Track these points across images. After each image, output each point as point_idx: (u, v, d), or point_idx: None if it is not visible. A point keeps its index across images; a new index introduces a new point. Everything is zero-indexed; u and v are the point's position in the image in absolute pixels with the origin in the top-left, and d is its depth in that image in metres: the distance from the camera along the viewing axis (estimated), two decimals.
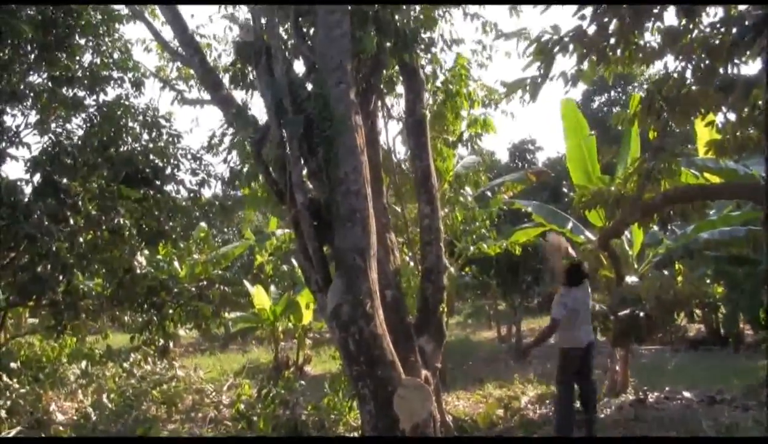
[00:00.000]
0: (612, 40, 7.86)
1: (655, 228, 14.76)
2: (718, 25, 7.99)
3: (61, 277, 14.15)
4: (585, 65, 8.32)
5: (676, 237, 17.96)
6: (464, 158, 17.62)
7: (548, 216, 17.91)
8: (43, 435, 12.95)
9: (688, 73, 9.03)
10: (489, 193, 19.24)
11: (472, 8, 12.83)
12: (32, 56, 14.24)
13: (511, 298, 28.95)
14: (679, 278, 18.60)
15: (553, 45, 7.57)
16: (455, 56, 13.79)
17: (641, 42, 8.68)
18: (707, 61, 8.39)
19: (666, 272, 16.93)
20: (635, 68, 11.03)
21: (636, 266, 16.75)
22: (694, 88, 9.17)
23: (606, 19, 7.26)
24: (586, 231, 17.02)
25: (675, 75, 9.22)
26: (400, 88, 12.30)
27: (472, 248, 17.15)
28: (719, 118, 10.26)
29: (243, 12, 12.93)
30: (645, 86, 21.66)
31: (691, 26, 8.33)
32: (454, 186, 16.19)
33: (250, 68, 10.60)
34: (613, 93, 49.29)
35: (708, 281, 21.40)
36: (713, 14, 8.35)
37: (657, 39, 8.74)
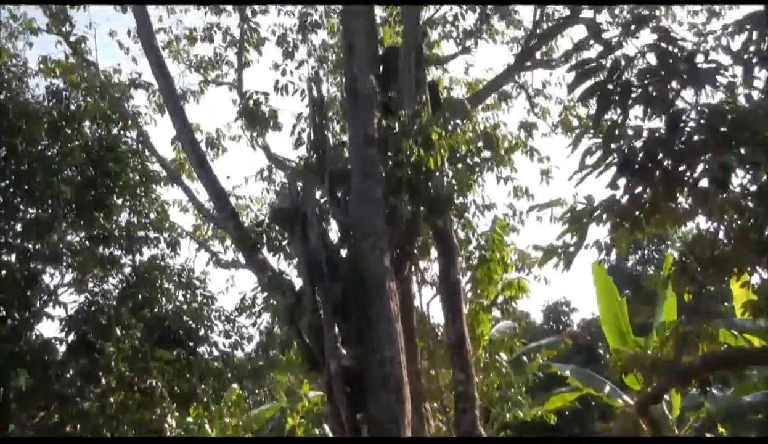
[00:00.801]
0: (645, 210, 7.84)
1: (695, 391, 14.38)
2: (748, 187, 7.95)
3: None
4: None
5: (717, 400, 17.47)
6: (499, 323, 17.47)
7: (585, 380, 17.54)
8: None
9: (721, 234, 8.93)
10: (524, 358, 18.95)
11: (505, 172, 13.05)
12: (71, 216, 14.50)
13: None
14: None
15: (586, 215, 7.57)
16: (490, 220, 13.88)
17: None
18: (739, 222, 8.31)
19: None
20: (668, 228, 10.99)
21: (676, 431, 16.24)
22: (727, 249, 9.05)
23: (639, 189, 7.26)
24: (624, 395, 16.61)
25: (708, 236, 9.12)
26: (433, 252, 12.31)
27: (507, 415, 16.76)
28: (755, 279, 10.09)
29: (279, 175, 13.22)
30: (678, 245, 21.56)
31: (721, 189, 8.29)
32: (489, 351, 15.98)
33: (284, 233, 10.70)
34: (646, 251, 49.13)
35: None
36: (741, 175, 8.31)
37: (689, 200, 8.70)
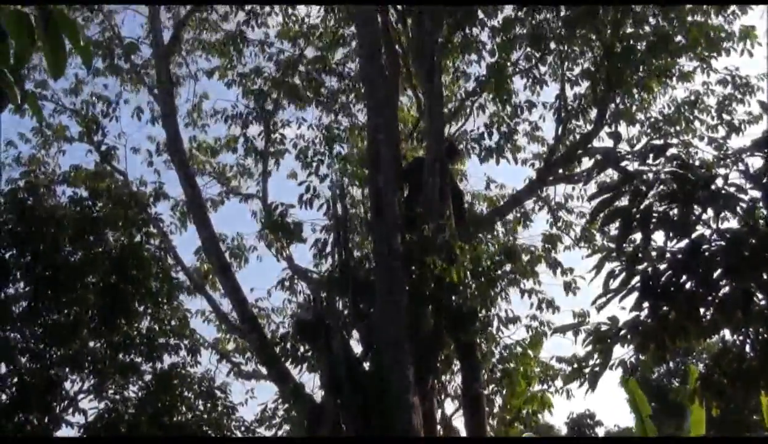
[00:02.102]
0: (669, 330, 7.82)
1: None
2: None
3: None
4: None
5: None
6: (522, 435, 17.19)
7: None
8: None
9: (747, 347, 8.84)
10: None
11: (528, 284, 13.04)
12: (93, 323, 14.56)
13: None
14: None
15: (611, 336, 7.57)
16: (513, 333, 13.83)
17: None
18: (766, 336, 8.23)
19: None
20: (693, 342, 10.91)
21: None
22: (754, 362, 8.94)
23: (663, 310, 7.27)
24: None
25: (733, 349, 9.03)
26: (456, 365, 12.26)
27: None
28: None
29: (302, 286, 13.29)
30: (704, 356, 21.35)
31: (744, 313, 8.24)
32: None
33: (307, 344, 10.72)
34: (671, 364, 48.44)
35: None
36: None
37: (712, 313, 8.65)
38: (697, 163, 13.37)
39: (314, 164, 14.01)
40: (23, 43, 2.48)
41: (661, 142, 12.89)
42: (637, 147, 13.95)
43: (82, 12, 15.86)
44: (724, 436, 10.60)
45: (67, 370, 14.37)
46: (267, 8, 14.95)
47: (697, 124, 14.53)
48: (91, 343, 14.86)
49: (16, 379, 13.83)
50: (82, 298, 14.09)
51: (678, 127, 14.47)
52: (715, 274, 6.45)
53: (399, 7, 13.38)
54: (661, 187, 6.21)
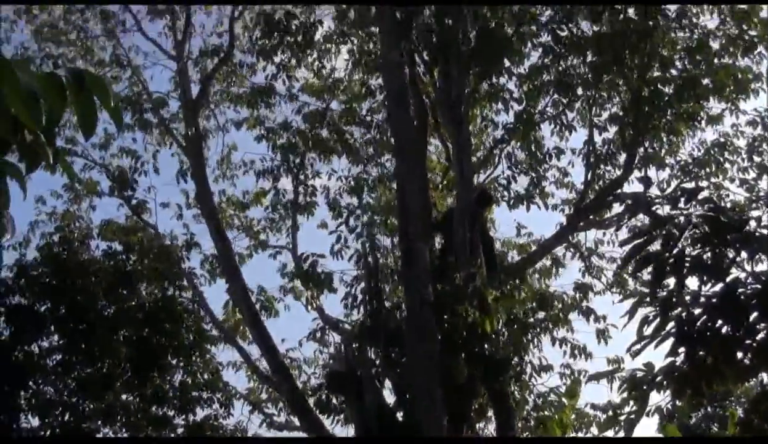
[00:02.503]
0: (706, 375, 7.70)
1: None
2: None
3: None
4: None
5: None
6: None
7: None
8: None
9: None
10: None
11: (561, 332, 12.94)
12: (126, 376, 14.62)
13: None
14: None
15: (646, 382, 7.47)
16: (547, 381, 13.70)
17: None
18: None
19: None
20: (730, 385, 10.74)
21: None
22: None
23: (701, 353, 7.16)
24: None
25: None
26: (490, 413, 12.13)
27: None
28: None
29: (333, 336, 13.28)
30: (742, 400, 21.00)
31: None
32: None
33: (339, 395, 10.68)
34: (709, 408, 47.69)
35: None
36: None
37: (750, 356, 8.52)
38: (729, 205, 13.46)
39: (344, 214, 14.08)
40: (55, 103, 2.51)
41: (692, 185, 12.83)
42: (668, 191, 13.93)
43: (112, 67, 16.34)
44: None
45: (100, 422, 14.40)
46: (294, 61, 15.06)
47: (727, 165, 14.47)
48: (124, 396, 14.92)
49: (49, 432, 13.86)
50: (115, 351, 14.18)
51: (708, 170, 14.39)
52: (752, 318, 6.37)
53: (426, 56, 13.47)
54: (694, 230, 6.16)
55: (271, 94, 15.14)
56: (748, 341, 7.74)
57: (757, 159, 14.44)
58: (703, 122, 13.89)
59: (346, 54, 15.25)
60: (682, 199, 6.23)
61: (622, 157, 13.64)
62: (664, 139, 13.90)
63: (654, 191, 13.75)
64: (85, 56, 16.51)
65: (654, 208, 6.51)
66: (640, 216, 10.59)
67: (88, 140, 14.79)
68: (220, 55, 15.55)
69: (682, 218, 6.15)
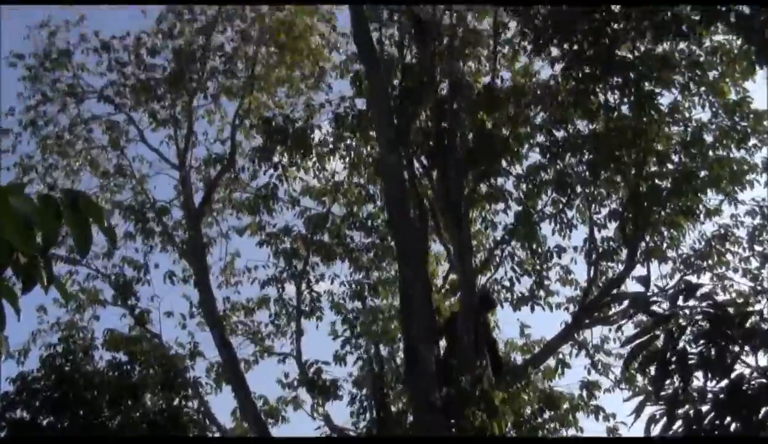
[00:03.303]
0: None
1: None
2: None
3: None
4: None
5: None
6: None
7: None
8: None
9: None
10: None
11: (570, 432, 12.72)
12: None
13: None
14: None
15: None
16: None
17: None
18: None
19: None
20: None
21: None
22: None
23: None
24: None
25: None
26: None
27: None
28: None
29: None
30: None
31: None
32: None
33: None
34: None
35: None
36: None
37: None
38: (733, 295, 13.41)
39: (349, 318, 14.03)
40: (49, 226, 2.56)
41: (692, 280, 12.78)
42: (671, 283, 13.90)
43: (116, 177, 16.63)
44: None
45: None
46: (293, 164, 15.14)
47: (729, 256, 14.42)
48: None
49: None
50: None
51: (710, 261, 14.35)
52: (761, 414, 6.29)
53: (423, 159, 13.58)
54: (696, 327, 6.14)
55: (273, 199, 15.15)
56: (757, 437, 7.65)
57: (758, 248, 14.39)
58: (702, 215, 13.90)
59: (344, 157, 15.37)
60: (682, 296, 6.23)
61: (624, 253, 13.59)
62: (665, 234, 13.83)
63: (657, 283, 13.82)
64: (90, 167, 16.72)
65: (654, 307, 6.49)
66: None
67: (84, 258, 14.83)
68: (223, 163, 15.81)
69: (683, 315, 6.14)
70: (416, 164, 13.48)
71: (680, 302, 6.16)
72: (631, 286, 13.32)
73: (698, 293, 6.21)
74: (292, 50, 16.05)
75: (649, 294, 7.80)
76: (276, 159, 14.88)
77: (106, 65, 16.25)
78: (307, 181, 15.63)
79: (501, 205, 14.41)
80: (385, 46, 13.85)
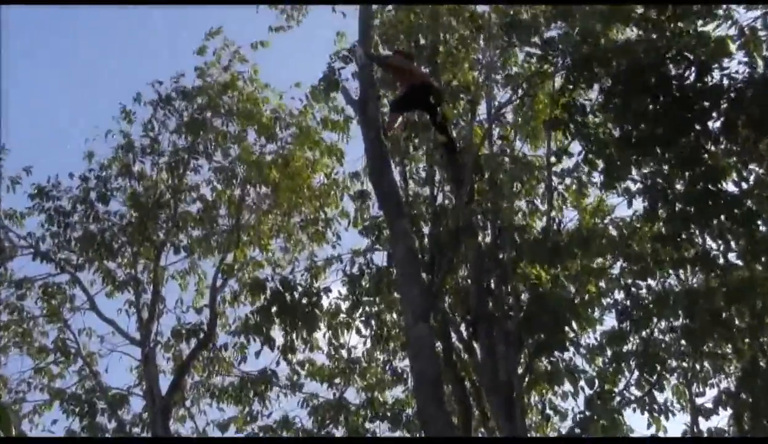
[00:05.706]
0: None
1: None
2: None
3: None
4: None
5: None
6: None
7: None
8: None
9: None
10: None
11: None
12: None
13: None
14: None
15: None
16: None
17: None
18: None
19: None
20: None
21: None
22: None
23: None
24: None
25: None
26: None
27: None
28: None
29: None
30: None
31: None
32: None
33: None
34: None
35: None
36: None
37: None
38: None
39: None
40: None
41: None
42: None
43: (56, 356, 14.41)
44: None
45: None
46: (300, 344, 13.00)
47: None
48: None
49: None
50: None
51: None
52: None
53: (463, 329, 11.78)
54: None
55: (267, 385, 13.06)
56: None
57: None
58: None
59: (360, 327, 13.16)
60: None
61: None
62: None
63: None
64: (22, 342, 14.41)
65: None
66: None
67: None
68: (198, 337, 13.52)
69: None
70: (453, 335, 11.79)
71: None
72: None
73: None
74: (289, 191, 14.01)
75: None
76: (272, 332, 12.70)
77: (44, 216, 14.30)
78: (313, 359, 13.58)
79: (568, 387, 11.74)
80: (410, 184, 12.39)
